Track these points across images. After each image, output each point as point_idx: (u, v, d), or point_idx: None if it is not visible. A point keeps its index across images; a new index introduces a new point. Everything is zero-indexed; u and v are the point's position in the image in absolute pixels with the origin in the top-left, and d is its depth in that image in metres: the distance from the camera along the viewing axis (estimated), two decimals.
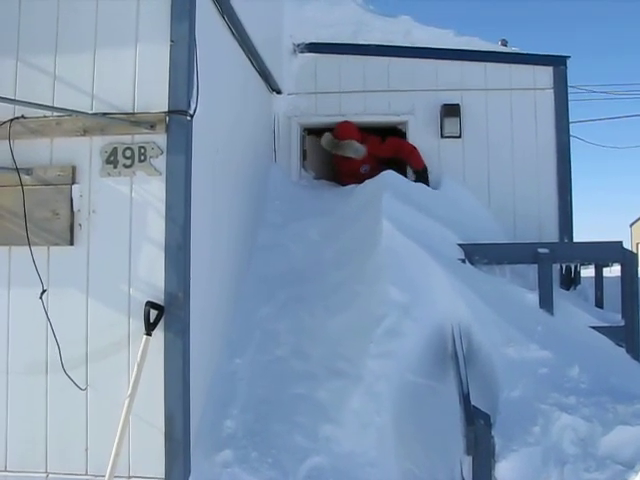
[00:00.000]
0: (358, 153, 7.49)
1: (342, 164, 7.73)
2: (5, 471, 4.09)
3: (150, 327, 3.87)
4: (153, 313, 3.89)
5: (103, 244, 4.08)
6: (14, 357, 4.12)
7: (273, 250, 5.76)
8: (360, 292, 5.12)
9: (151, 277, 3.97)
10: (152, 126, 4.01)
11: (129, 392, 3.84)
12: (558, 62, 7.77)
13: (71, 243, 4.10)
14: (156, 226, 3.99)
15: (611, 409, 4.78)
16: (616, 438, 4.48)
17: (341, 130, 7.51)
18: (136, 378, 3.84)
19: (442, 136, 7.64)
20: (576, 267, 7.47)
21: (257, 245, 5.88)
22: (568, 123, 7.86)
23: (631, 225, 40.07)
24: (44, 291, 3.96)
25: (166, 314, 3.92)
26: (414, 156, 7.45)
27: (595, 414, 4.71)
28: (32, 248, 4.03)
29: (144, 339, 3.86)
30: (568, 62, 7.77)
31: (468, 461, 4.24)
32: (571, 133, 8.01)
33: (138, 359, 3.85)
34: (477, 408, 4.31)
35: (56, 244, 4.12)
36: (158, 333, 3.91)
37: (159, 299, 3.93)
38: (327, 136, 7.56)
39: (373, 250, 5.36)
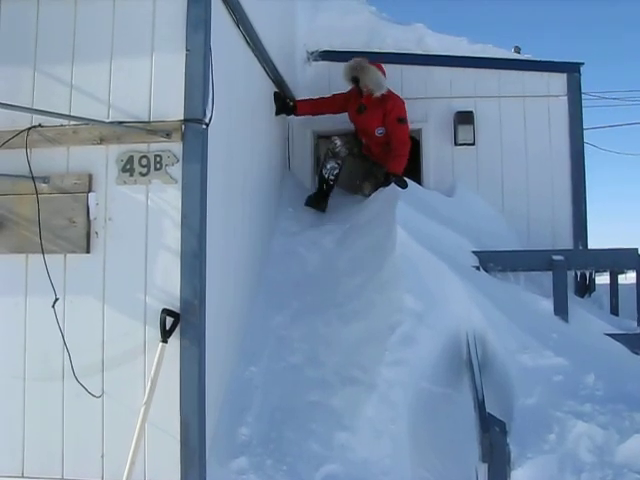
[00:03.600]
0: (380, 87, 6.84)
1: (357, 118, 7.14)
2: (22, 477, 4.11)
3: (166, 334, 3.88)
4: (169, 320, 3.90)
5: (119, 252, 4.10)
6: (30, 364, 4.15)
7: (287, 258, 5.78)
8: (374, 300, 5.12)
9: (167, 285, 3.99)
10: (168, 134, 4.04)
11: (145, 399, 3.85)
12: (572, 69, 7.77)
13: (87, 251, 4.13)
14: (172, 234, 4.01)
15: (627, 417, 4.75)
16: (633, 446, 4.44)
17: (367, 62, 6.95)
18: (152, 385, 3.86)
19: (456, 144, 7.65)
20: (591, 274, 7.44)
21: (271, 252, 5.90)
22: (582, 130, 7.85)
23: None
24: (56, 299, 3.97)
25: (182, 321, 3.94)
26: (397, 157, 6.90)
27: (611, 422, 4.68)
28: (49, 256, 4.06)
29: (160, 346, 3.88)
30: (582, 69, 7.77)
31: (483, 469, 4.22)
32: (585, 140, 8.02)
33: (154, 366, 3.86)
34: (492, 415, 4.29)
35: (73, 252, 4.14)
36: (174, 340, 3.93)
37: (175, 306, 3.95)
38: (349, 62, 7.00)
39: (387, 258, 5.37)
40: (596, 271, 7.39)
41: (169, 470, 3.93)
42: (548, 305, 5.95)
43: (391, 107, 6.88)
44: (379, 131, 6.97)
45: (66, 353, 4.01)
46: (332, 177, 6.88)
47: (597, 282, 8.09)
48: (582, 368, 5.24)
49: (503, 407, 4.60)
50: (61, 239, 4.15)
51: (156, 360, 3.87)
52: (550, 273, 6.10)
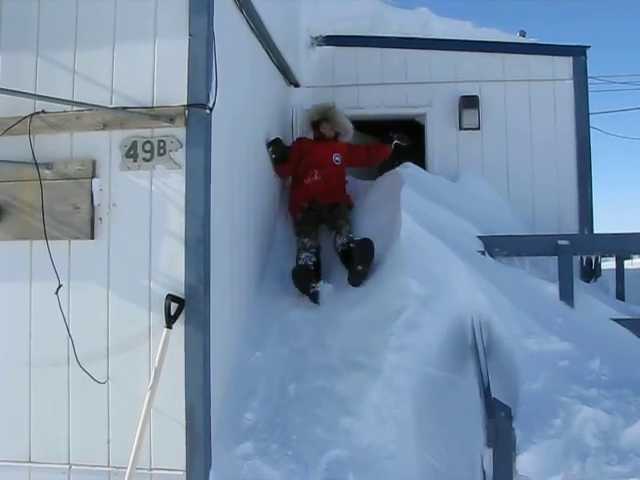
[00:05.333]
0: (347, 133, 6.77)
1: (315, 148, 6.52)
2: (29, 462, 4.13)
3: (171, 320, 3.88)
4: (174, 306, 3.91)
5: (123, 238, 4.10)
6: (36, 350, 4.16)
7: (291, 243, 5.75)
8: (379, 285, 5.11)
9: (171, 270, 3.99)
10: (171, 119, 4.02)
11: (150, 385, 3.86)
12: (578, 52, 7.71)
13: (92, 237, 4.13)
14: (176, 219, 4.00)
15: (633, 402, 4.73)
16: (639, 431, 4.44)
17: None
18: (157, 371, 3.86)
19: (461, 128, 7.60)
20: (597, 259, 7.43)
21: (276, 238, 5.88)
22: (588, 114, 7.79)
23: None
24: (60, 286, 3.96)
25: (186, 307, 3.94)
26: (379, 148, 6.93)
27: (617, 407, 4.67)
28: (53, 242, 4.06)
29: (165, 332, 3.88)
30: (588, 52, 7.70)
31: (489, 453, 4.22)
32: (591, 124, 7.97)
33: (159, 352, 3.87)
34: (498, 400, 4.29)
35: (77, 238, 4.14)
36: (178, 326, 3.93)
37: (179, 292, 3.95)
38: (317, 105, 6.86)
39: (392, 242, 5.36)
40: (602, 256, 7.38)
41: (175, 455, 3.95)
42: (553, 290, 5.93)
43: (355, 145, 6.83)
44: (336, 158, 6.50)
45: (70, 340, 4.00)
46: (311, 264, 5.73)
47: (603, 267, 8.06)
48: (588, 353, 5.22)
49: (508, 392, 4.59)
50: (65, 225, 4.15)
51: (161, 346, 3.87)
52: (555, 258, 6.08)
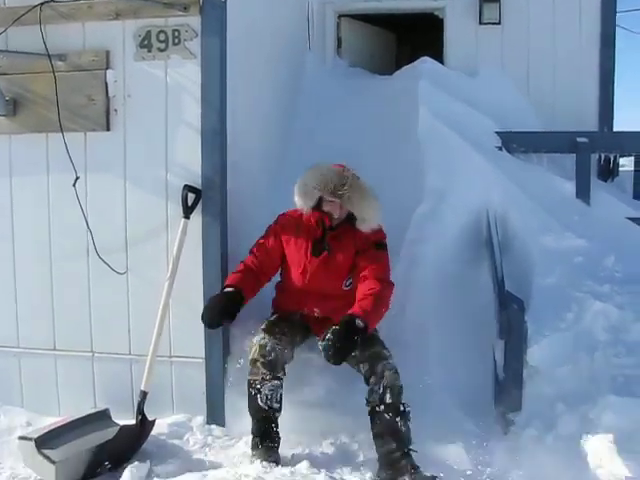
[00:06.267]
0: (376, 220, 3.90)
1: (312, 263, 3.84)
2: (54, 350, 4.25)
3: (188, 210, 3.90)
4: (190, 197, 3.92)
5: (139, 129, 4.07)
6: (56, 243, 4.21)
7: (308, 138, 5.69)
8: (396, 179, 5.08)
9: (188, 161, 3.98)
10: (186, 8, 3.92)
11: (168, 275, 3.92)
12: None
13: (107, 129, 4.11)
14: (192, 110, 3.96)
15: None
16: None
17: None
18: (175, 261, 3.91)
19: (481, 22, 7.39)
20: (615, 158, 7.35)
21: (292, 133, 5.80)
22: (615, 12, 7.53)
23: None
24: (77, 178, 3.95)
25: (203, 197, 3.95)
26: (378, 299, 3.68)
27: (628, 302, 4.74)
28: (68, 134, 4.02)
29: (182, 222, 3.91)
30: None
31: (500, 345, 4.30)
32: (618, 23, 7.70)
33: (177, 243, 3.90)
34: (511, 293, 4.33)
35: (92, 130, 4.12)
36: (196, 217, 3.95)
37: (196, 183, 3.95)
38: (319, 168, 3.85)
39: (410, 137, 5.31)
40: (621, 155, 7.30)
41: (194, 344, 4.04)
42: (570, 187, 5.92)
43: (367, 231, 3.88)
44: (349, 282, 3.89)
45: (89, 231, 4.04)
46: (277, 404, 3.69)
47: (620, 169, 7.99)
48: (602, 250, 5.25)
49: (522, 286, 4.64)
50: (80, 117, 4.12)
51: (179, 236, 3.90)
52: (573, 156, 6.03)
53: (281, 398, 3.69)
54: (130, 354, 4.15)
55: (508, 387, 4.21)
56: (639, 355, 4.31)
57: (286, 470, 3.28)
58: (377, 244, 3.88)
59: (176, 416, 4.07)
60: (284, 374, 3.72)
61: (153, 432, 3.91)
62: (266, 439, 3.67)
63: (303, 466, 3.35)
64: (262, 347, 3.66)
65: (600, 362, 4.34)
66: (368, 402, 3.56)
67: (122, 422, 3.81)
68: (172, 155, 4.01)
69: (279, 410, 3.70)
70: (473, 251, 4.85)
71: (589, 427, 3.90)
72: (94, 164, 4.12)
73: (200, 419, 4.07)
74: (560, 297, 4.66)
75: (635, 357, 4.31)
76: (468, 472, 3.63)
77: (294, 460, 3.65)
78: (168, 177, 4.01)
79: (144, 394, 3.83)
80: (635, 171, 7.37)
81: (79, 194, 3.97)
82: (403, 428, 3.46)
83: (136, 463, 3.56)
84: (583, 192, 5.88)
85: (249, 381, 3.69)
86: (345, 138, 5.75)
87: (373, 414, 3.53)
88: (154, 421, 3.86)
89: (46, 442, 3.53)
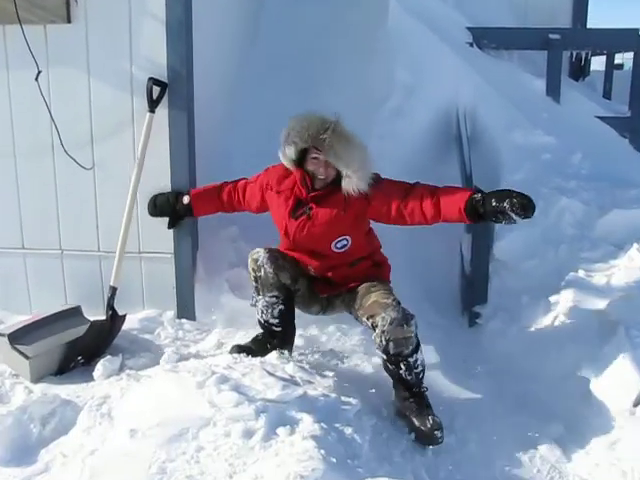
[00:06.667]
0: (366, 179, 3.33)
1: (291, 225, 3.48)
2: (23, 249, 4.22)
3: (153, 104, 3.82)
4: (156, 90, 3.82)
5: (101, 21, 3.91)
6: (19, 140, 4.09)
7: (277, 33, 5.54)
8: (366, 74, 4.99)
9: (153, 54, 3.85)
10: None
11: (135, 170, 3.86)
12: None
13: (68, 20, 3.94)
14: (156, 0, 3.82)
15: (609, 194, 4.89)
16: (611, 221, 4.62)
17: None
18: (141, 156, 3.83)
19: None
20: (586, 56, 7.32)
21: (262, 24, 5.63)
22: None
23: None
24: (39, 72, 3.82)
25: (170, 90, 3.86)
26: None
27: (594, 198, 4.82)
28: (28, 27, 3.85)
29: (147, 116, 3.83)
30: None
31: (467, 239, 4.37)
32: None
33: (142, 137, 3.84)
34: (479, 189, 4.36)
35: (52, 22, 3.95)
36: (162, 110, 3.88)
37: (162, 76, 3.85)
38: (303, 116, 3.39)
39: (379, 31, 5.20)
40: (593, 53, 7.26)
41: (162, 240, 4.02)
42: (541, 85, 5.91)
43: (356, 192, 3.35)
44: (340, 243, 3.46)
45: (54, 127, 3.95)
46: (275, 320, 3.52)
47: (592, 69, 7.96)
48: (570, 147, 5.30)
49: (491, 182, 4.64)
50: (39, 8, 3.92)
51: (144, 131, 3.82)
52: (545, 53, 5.99)
53: (282, 315, 3.50)
54: (99, 251, 4.13)
55: (474, 281, 4.32)
56: (602, 249, 4.42)
57: (255, 360, 3.34)
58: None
59: (147, 311, 4.11)
60: (282, 294, 3.47)
61: (124, 327, 3.94)
62: (267, 343, 3.58)
63: (272, 356, 3.42)
64: (254, 261, 3.48)
65: (566, 255, 4.44)
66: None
67: (93, 318, 3.83)
68: (136, 47, 3.88)
69: (278, 325, 3.52)
70: (442, 146, 4.86)
71: (551, 317, 4.03)
72: (56, 58, 3.97)
73: (170, 314, 4.10)
74: (528, 193, 4.70)
75: (599, 251, 4.41)
76: (433, 361, 3.76)
77: None
78: (133, 70, 3.89)
79: (113, 289, 3.84)
80: (606, 71, 7.35)
81: (42, 89, 3.85)
82: (409, 377, 3.26)
83: (108, 357, 3.60)
84: (553, 90, 5.88)
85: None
86: (315, 30, 5.59)
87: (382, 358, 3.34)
88: (124, 316, 3.88)
89: (19, 338, 3.55)
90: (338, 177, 3.35)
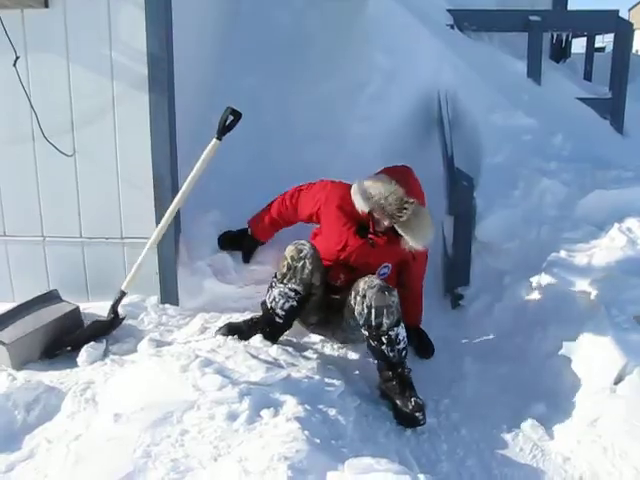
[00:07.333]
0: (425, 241, 3.56)
1: (353, 242, 3.61)
2: (5, 236, 4.19)
3: (223, 131, 3.66)
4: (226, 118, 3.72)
5: (80, 5, 3.85)
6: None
7: (256, 18, 5.52)
8: (345, 58, 4.98)
9: (132, 38, 3.83)
10: None
11: (184, 187, 3.74)
12: None
13: (46, 5, 3.90)
14: None
15: (590, 175, 4.91)
16: (591, 202, 4.63)
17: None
18: (196, 177, 3.73)
19: None
20: (567, 38, 7.34)
21: (239, 13, 5.61)
22: None
23: (630, 10, 38.63)
24: (17, 58, 3.79)
25: (151, 75, 3.81)
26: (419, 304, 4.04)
27: (574, 180, 4.84)
28: (4, 12, 3.80)
29: (213, 142, 3.67)
30: None
31: (450, 221, 4.39)
32: None
33: (202, 160, 3.70)
34: (460, 170, 4.39)
35: (29, 6, 3.89)
36: (142, 96, 3.86)
37: (142, 62, 3.82)
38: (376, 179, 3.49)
39: (358, 14, 5.18)
40: (573, 35, 7.28)
41: (144, 225, 3.99)
42: (521, 67, 5.93)
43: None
44: (383, 271, 3.66)
45: (33, 114, 3.92)
46: (281, 311, 3.53)
47: (573, 52, 7.99)
48: (551, 129, 5.32)
49: (471, 164, 4.71)
50: None
51: (206, 154, 3.68)
52: (526, 35, 6.00)
53: (290, 311, 3.51)
54: (81, 237, 4.11)
55: (457, 262, 4.34)
56: (583, 229, 4.45)
57: (239, 344, 3.36)
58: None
59: (130, 297, 4.06)
60: (304, 291, 3.49)
61: None
62: (259, 328, 3.57)
63: (257, 339, 3.43)
64: (298, 251, 3.46)
65: (547, 236, 4.47)
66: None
67: (75, 303, 3.86)
68: (116, 32, 3.83)
69: (281, 318, 3.51)
70: (423, 129, 4.87)
71: (534, 297, 4.06)
72: (34, 43, 3.92)
73: (154, 299, 4.08)
74: (509, 174, 4.75)
75: (579, 232, 4.44)
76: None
77: None
78: (113, 55, 3.86)
79: (123, 294, 3.80)
80: (586, 52, 7.38)
81: (21, 75, 3.83)
82: (391, 354, 3.30)
83: (92, 343, 3.60)
84: (534, 71, 5.89)
85: (275, 273, 3.57)
86: (293, 16, 5.56)
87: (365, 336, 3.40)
88: (123, 319, 3.88)
89: None
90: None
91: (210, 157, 3.68)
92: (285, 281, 3.46)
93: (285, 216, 3.95)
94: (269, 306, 3.53)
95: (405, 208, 3.36)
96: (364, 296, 3.27)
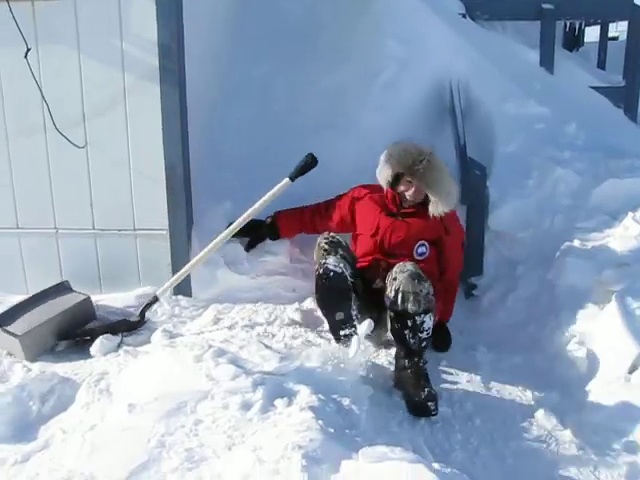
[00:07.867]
0: (451, 202, 3.74)
1: (384, 222, 3.77)
2: (18, 228, 4.21)
3: (297, 174, 3.80)
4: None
5: None
6: (11, 120, 4.07)
7: (267, 7, 5.49)
8: (357, 47, 4.94)
9: (143, 30, 3.83)
10: None
11: (249, 211, 3.83)
12: None
13: None
14: None
15: (603, 164, 4.87)
16: (605, 191, 4.60)
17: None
18: (260, 207, 3.82)
19: None
20: (580, 26, 7.28)
21: (250, 2, 5.58)
22: None
23: None
24: (29, 50, 3.79)
25: (162, 67, 3.82)
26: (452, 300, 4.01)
27: (588, 169, 4.81)
28: (15, 4, 3.81)
29: (284, 180, 3.80)
30: None
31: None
32: None
33: (269, 194, 3.80)
34: (473, 159, 4.37)
35: None
36: (154, 86, 3.86)
37: (153, 53, 3.83)
38: (401, 145, 3.83)
39: (370, 3, 5.15)
40: (586, 23, 7.22)
41: (157, 216, 4.01)
42: (534, 56, 5.88)
43: (454, 223, 3.91)
44: (420, 250, 3.72)
45: (45, 106, 3.92)
46: (349, 271, 3.53)
47: (586, 41, 7.92)
48: (564, 118, 5.28)
49: (484, 154, 4.68)
50: None
51: (275, 190, 3.79)
52: (538, 23, 5.95)
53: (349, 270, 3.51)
54: (94, 229, 4.12)
55: (470, 252, 4.32)
56: (597, 219, 4.42)
57: (252, 333, 3.37)
58: (463, 242, 4.03)
59: (143, 288, 4.10)
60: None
61: (121, 305, 3.98)
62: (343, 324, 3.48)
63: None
64: (330, 235, 3.74)
65: (561, 225, 4.45)
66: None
67: (86, 294, 3.90)
68: (127, 23, 3.84)
69: (351, 277, 3.50)
70: (436, 118, 4.82)
71: (547, 286, 4.04)
72: (45, 34, 3.93)
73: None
74: (522, 164, 4.71)
75: (593, 221, 4.41)
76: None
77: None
78: (123, 46, 3.86)
79: (155, 299, 3.84)
80: (600, 41, 7.32)
81: (32, 67, 3.83)
82: (412, 340, 3.28)
83: (107, 334, 3.62)
84: (547, 60, 5.84)
85: (316, 269, 3.53)
86: (304, 4, 5.54)
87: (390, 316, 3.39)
88: (146, 321, 3.88)
89: (7, 319, 3.61)
90: (425, 202, 3.71)
91: (278, 195, 3.82)
92: (333, 253, 3.57)
93: (317, 220, 4.09)
94: (338, 270, 3.44)
95: (422, 158, 3.65)
96: (395, 279, 3.34)
